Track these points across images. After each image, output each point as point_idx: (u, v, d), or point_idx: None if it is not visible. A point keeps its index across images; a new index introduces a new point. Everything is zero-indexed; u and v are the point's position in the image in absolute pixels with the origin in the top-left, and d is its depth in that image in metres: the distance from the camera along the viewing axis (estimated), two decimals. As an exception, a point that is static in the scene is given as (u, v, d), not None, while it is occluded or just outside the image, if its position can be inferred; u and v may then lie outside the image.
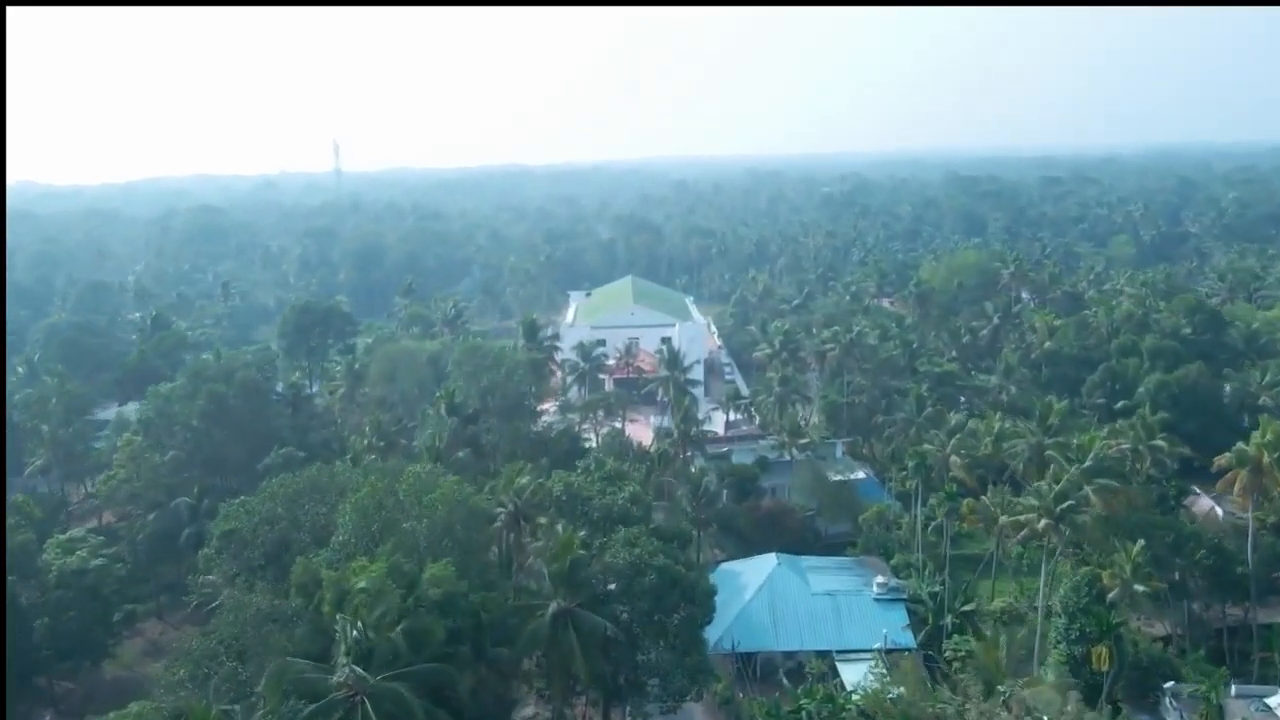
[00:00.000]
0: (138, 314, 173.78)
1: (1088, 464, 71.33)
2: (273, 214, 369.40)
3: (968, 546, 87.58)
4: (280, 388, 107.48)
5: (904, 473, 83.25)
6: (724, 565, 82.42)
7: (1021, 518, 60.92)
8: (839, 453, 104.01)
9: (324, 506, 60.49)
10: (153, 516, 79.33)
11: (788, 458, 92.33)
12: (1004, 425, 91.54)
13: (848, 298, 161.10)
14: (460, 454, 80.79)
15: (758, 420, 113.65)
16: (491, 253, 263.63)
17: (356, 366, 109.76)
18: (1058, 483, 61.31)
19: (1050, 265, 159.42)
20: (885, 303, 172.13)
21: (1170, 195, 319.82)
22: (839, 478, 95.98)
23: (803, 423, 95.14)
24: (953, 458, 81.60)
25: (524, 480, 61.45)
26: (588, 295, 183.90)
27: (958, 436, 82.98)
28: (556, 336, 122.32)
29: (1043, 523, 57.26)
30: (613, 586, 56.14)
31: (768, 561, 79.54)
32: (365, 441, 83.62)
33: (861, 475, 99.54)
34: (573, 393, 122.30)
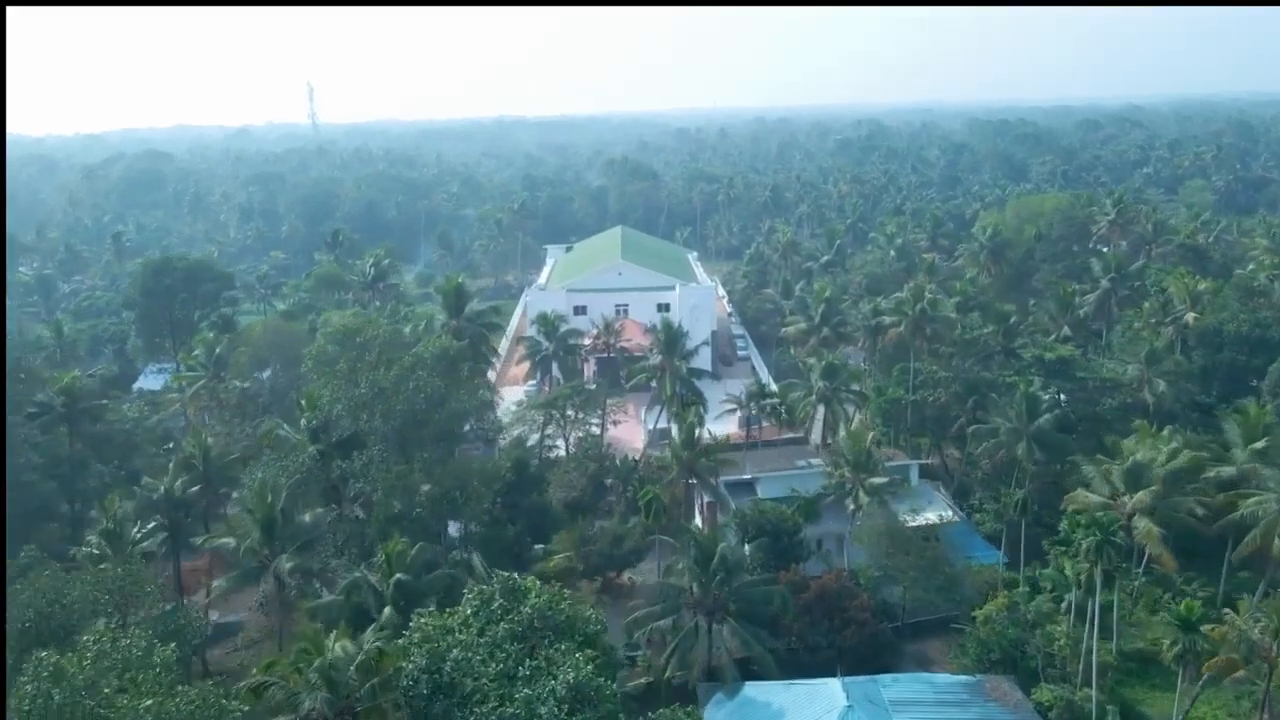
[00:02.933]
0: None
1: None
2: (229, 162, 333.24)
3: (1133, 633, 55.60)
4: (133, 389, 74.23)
5: (1065, 550, 49.79)
6: (750, 689, 49.63)
7: None
8: (914, 477, 71.24)
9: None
10: None
11: (852, 507, 59.04)
12: (1176, 447, 58.99)
13: (892, 253, 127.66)
14: (309, 515, 47.89)
15: (784, 413, 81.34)
16: (464, 201, 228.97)
17: (219, 351, 76.38)
18: None
19: (1151, 211, 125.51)
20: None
21: (1232, 139, 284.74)
22: (918, 520, 63.07)
23: (873, 448, 61.33)
24: (1141, 519, 48.31)
25: (340, 649, 28.37)
26: (568, 250, 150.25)
27: (1152, 487, 49.14)
28: (494, 311, 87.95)
29: None
30: None
31: (829, 696, 46.95)
32: (161, 488, 50.52)
33: (954, 517, 66.79)
34: (536, 383, 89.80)
